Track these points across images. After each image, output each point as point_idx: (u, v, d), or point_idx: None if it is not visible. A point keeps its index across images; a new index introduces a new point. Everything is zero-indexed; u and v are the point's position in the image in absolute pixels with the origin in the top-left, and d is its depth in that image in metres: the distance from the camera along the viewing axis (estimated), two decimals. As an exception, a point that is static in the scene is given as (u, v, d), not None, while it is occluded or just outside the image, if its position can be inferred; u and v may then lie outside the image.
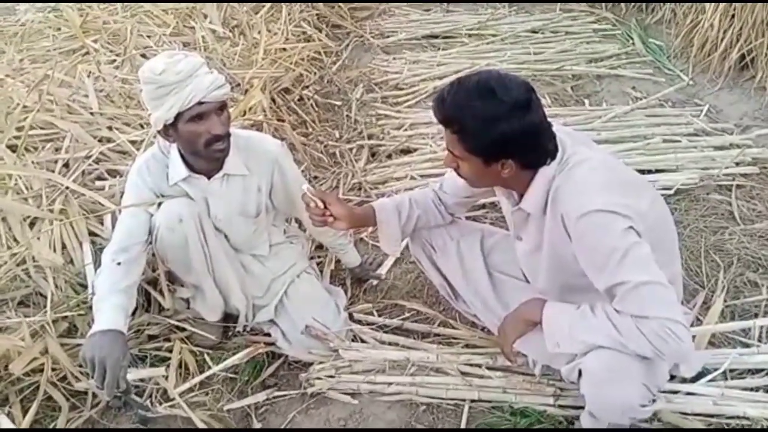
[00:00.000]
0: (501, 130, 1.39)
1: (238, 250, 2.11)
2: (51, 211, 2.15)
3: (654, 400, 1.47)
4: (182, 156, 1.88)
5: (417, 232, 1.97)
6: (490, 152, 1.45)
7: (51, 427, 1.82)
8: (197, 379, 1.93)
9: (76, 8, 3.82)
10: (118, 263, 1.78)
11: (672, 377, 1.79)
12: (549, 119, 1.50)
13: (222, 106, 1.79)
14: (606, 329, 1.41)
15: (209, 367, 1.98)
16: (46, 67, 2.97)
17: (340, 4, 5.12)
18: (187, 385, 1.91)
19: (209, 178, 1.92)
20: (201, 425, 1.81)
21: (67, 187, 2.23)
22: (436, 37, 4.74)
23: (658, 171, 2.89)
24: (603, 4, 5.12)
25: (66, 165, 2.44)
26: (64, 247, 2.11)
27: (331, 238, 2.21)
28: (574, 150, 1.52)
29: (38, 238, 2.06)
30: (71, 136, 2.49)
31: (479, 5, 5.38)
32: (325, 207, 1.76)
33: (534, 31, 4.71)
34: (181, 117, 1.72)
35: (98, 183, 2.42)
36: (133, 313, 1.97)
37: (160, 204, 1.88)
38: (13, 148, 2.38)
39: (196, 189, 1.92)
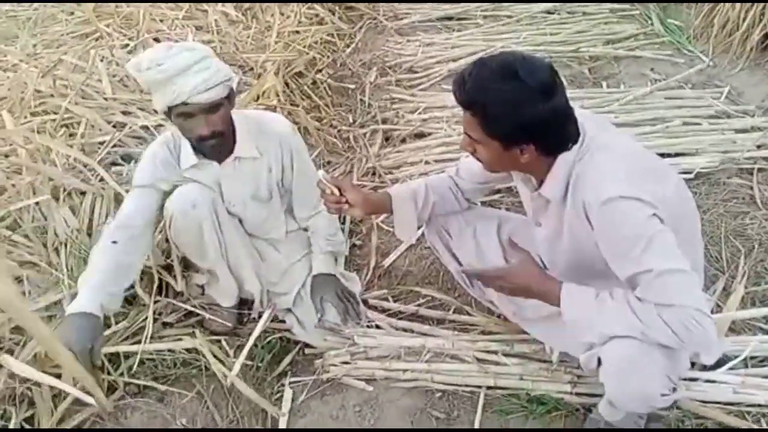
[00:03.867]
0: (524, 114, 1.35)
1: (252, 235, 2.10)
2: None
3: (675, 389, 1.45)
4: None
5: (433, 219, 1.95)
6: (511, 136, 1.41)
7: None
8: (240, 358, 1.88)
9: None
10: (114, 242, 1.79)
11: (692, 365, 1.76)
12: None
13: (214, 106, 1.73)
14: (626, 318, 1.38)
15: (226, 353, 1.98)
16: (59, 51, 2.96)
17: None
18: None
19: (220, 162, 1.91)
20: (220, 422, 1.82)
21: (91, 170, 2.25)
22: (450, 18, 4.66)
23: (678, 154, 2.84)
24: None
25: (82, 150, 2.43)
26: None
27: (324, 230, 2.14)
28: (595, 134, 1.49)
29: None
30: (86, 122, 2.49)
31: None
32: (341, 193, 1.73)
33: (550, 12, 4.62)
34: (172, 111, 1.71)
35: (114, 168, 2.42)
36: (157, 301, 2.01)
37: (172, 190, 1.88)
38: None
39: (207, 175, 1.91)
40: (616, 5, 4.66)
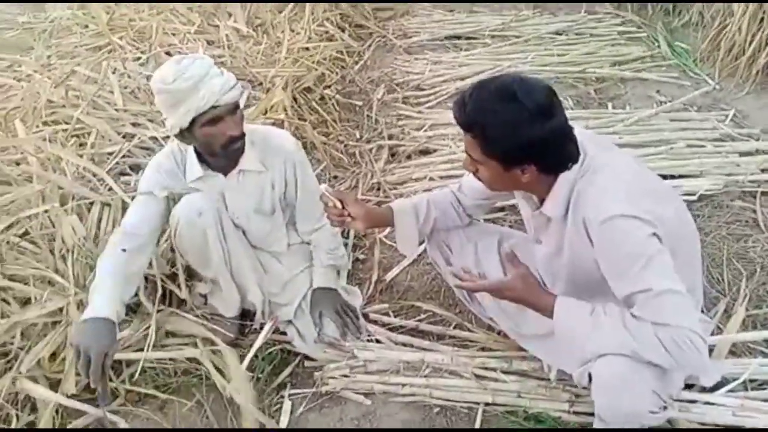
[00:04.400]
0: (523, 135, 1.38)
1: (256, 247, 2.13)
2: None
3: (665, 408, 1.45)
4: (198, 155, 1.90)
5: (434, 233, 1.97)
6: (511, 157, 1.44)
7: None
8: (244, 362, 1.91)
9: (104, 6, 3.88)
10: (123, 249, 1.81)
11: (690, 386, 1.77)
12: (570, 123, 1.48)
13: (235, 107, 1.79)
14: (619, 336, 1.39)
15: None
16: (72, 63, 3.02)
17: (364, 4, 5.14)
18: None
19: (225, 174, 1.94)
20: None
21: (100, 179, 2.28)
22: (458, 38, 4.72)
23: (681, 176, 2.85)
24: (629, 7, 5.08)
25: (92, 160, 2.47)
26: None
27: (325, 243, 2.16)
28: (595, 154, 1.51)
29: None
30: (96, 132, 2.53)
31: (503, 6, 5.37)
32: (343, 207, 1.76)
33: (558, 33, 4.68)
34: (196, 122, 1.74)
35: (123, 178, 2.46)
36: (161, 310, 2.03)
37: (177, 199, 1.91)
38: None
39: (212, 186, 1.94)
40: (623, 28, 4.72)
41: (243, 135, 1.84)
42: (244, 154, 1.94)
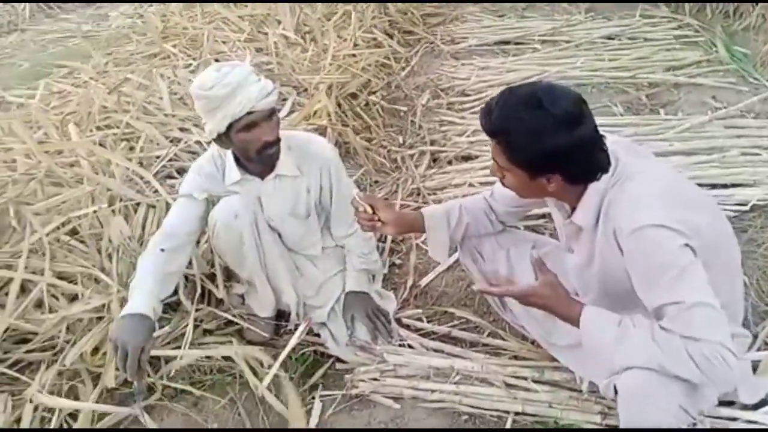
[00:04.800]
0: (547, 144, 1.36)
1: (291, 250, 2.17)
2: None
3: (695, 424, 1.40)
4: (236, 159, 1.95)
5: (466, 240, 1.96)
6: (536, 166, 1.43)
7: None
8: (273, 368, 1.93)
9: (160, 15, 4.03)
10: (162, 249, 1.88)
11: (731, 403, 1.70)
12: (605, 130, 1.46)
13: (271, 113, 1.84)
14: (647, 350, 1.35)
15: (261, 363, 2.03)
16: (127, 70, 3.15)
17: (413, 10, 5.16)
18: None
19: (262, 178, 1.99)
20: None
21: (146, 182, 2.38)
22: (507, 43, 4.68)
23: (733, 185, 2.75)
24: (687, 10, 4.94)
25: (140, 163, 2.57)
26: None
27: (358, 248, 2.17)
28: (628, 162, 1.48)
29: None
30: (145, 136, 2.63)
31: (555, 10, 5.31)
32: (374, 212, 1.77)
33: (610, 38, 4.59)
34: (233, 127, 1.79)
35: (169, 181, 2.55)
36: (199, 309, 2.11)
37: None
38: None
39: (249, 190, 1.99)
40: (680, 32, 4.59)
41: (278, 140, 1.88)
42: (281, 159, 1.98)
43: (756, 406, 1.72)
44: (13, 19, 5.67)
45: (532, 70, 3.99)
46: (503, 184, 1.56)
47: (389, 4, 4.86)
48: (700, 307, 1.34)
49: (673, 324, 1.35)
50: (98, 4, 5.65)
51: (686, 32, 4.59)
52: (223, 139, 1.85)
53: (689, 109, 3.52)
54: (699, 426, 1.46)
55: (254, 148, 1.85)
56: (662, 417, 1.36)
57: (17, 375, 1.88)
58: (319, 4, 4.27)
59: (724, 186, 2.75)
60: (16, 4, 5.74)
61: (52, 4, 6.00)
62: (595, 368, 1.63)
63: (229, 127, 1.81)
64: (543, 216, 2.65)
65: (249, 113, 1.79)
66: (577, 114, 1.36)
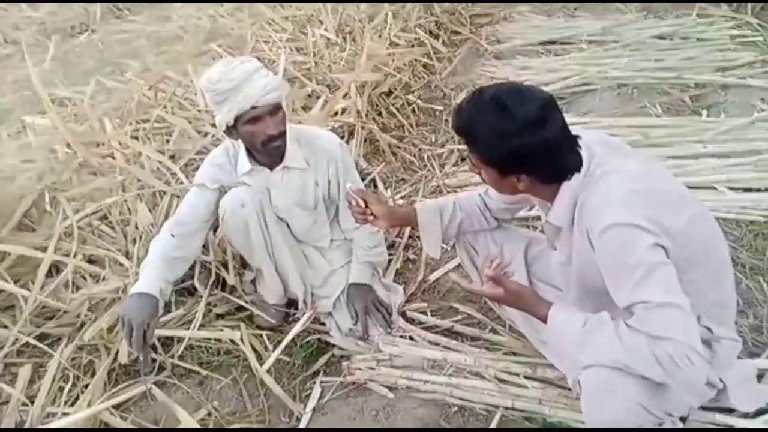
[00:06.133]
0: (510, 146, 1.39)
1: (301, 241, 2.25)
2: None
3: (661, 424, 1.39)
4: (248, 151, 2.05)
5: (461, 235, 1.99)
6: (502, 165, 1.46)
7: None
8: (275, 353, 2.03)
9: (211, 17, 4.22)
10: (172, 234, 1.99)
11: (731, 411, 1.67)
12: (582, 128, 1.46)
13: (276, 108, 1.92)
14: (611, 349, 1.35)
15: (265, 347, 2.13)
16: (171, 68, 3.32)
17: (461, 11, 5.18)
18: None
19: (271, 170, 2.08)
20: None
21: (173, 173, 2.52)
22: (553, 43, 4.64)
23: (767, 189, 2.66)
24: (749, 9, 4.74)
25: (172, 156, 2.72)
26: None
27: (364, 241, 2.23)
28: (602, 161, 1.47)
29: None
30: (178, 130, 2.78)
31: (608, 10, 5.20)
32: (366, 206, 1.83)
33: (661, 37, 4.48)
34: (239, 119, 1.89)
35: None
36: (213, 294, 2.23)
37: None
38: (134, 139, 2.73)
39: (259, 180, 2.08)
40: (737, 31, 4.42)
41: (282, 134, 1.96)
42: (290, 152, 2.07)
43: (755, 415, 1.68)
44: (85, 20, 6.04)
45: (572, 70, 3.94)
46: (483, 180, 1.59)
47: (435, 5, 4.89)
48: (667, 307, 1.32)
49: (640, 323, 1.34)
50: (163, 6, 5.93)
51: (744, 32, 4.42)
52: (231, 131, 1.96)
53: (734, 111, 3.39)
54: (666, 425, 1.44)
55: (259, 141, 1.94)
56: (621, 414, 1.36)
57: (42, 346, 2.04)
58: (363, 5, 4.34)
59: (758, 190, 2.67)
60: (88, 7, 6.11)
61: (121, 6, 6.34)
62: (573, 365, 1.63)
63: (236, 119, 1.91)
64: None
65: (254, 107, 1.88)
66: (541, 116, 1.38)
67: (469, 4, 5.35)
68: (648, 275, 1.34)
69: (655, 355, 1.30)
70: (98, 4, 6.24)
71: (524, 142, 1.38)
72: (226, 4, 4.74)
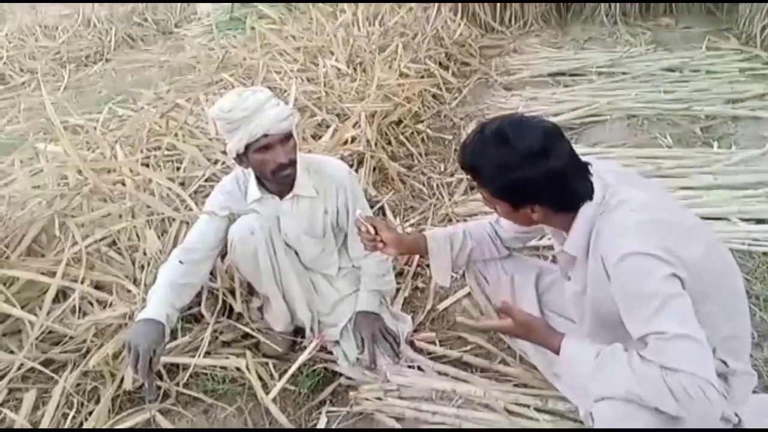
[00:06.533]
0: (515, 178, 1.39)
1: (308, 269, 2.24)
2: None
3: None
4: (258, 179, 2.06)
5: (472, 264, 1.97)
6: (512, 198, 1.46)
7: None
8: (281, 382, 2.02)
9: (223, 47, 4.28)
10: (181, 261, 1.98)
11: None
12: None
13: (287, 137, 1.94)
14: (624, 381, 1.33)
15: (271, 376, 2.11)
16: (183, 97, 3.36)
17: (471, 42, 5.23)
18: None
19: (281, 198, 2.08)
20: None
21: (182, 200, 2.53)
22: (563, 74, 4.67)
23: (778, 221, 2.63)
24: (758, 42, 4.77)
25: (182, 183, 2.74)
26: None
27: (372, 269, 2.21)
28: (616, 190, 1.46)
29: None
30: (189, 158, 2.80)
31: (618, 42, 5.26)
32: (376, 233, 1.82)
33: (671, 70, 4.50)
34: (250, 148, 1.90)
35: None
36: (220, 321, 2.22)
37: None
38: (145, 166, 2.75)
39: (268, 208, 2.08)
40: (746, 64, 4.44)
41: (292, 163, 1.97)
42: (299, 180, 2.07)
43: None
44: (99, 49, 6.17)
45: (582, 102, 3.95)
46: (498, 213, 1.58)
47: (445, 37, 4.95)
48: (683, 339, 1.30)
49: (654, 354, 1.32)
50: (176, 37, 6.06)
51: (754, 65, 4.43)
52: (242, 158, 1.97)
53: (745, 143, 3.39)
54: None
55: (269, 169, 1.95)
56: (634, 447, 1.32)
57: (48, 372, 2.03)
58: (374, 36, 4.40)
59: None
60: (103, 37, 6.23)
61: (135, 36, 6.46)
62: (586, 397, 1.60)
63: (247, 147, 1.91)
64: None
65: (265, 135, 1.89)
66: (544, 146, 1.38)
67: (479, 36, 5.41)
68: (664, 306, 1.32)
69: (669, 386, 1.28)
70: (112, 34, 6.36)
71: (529, 174, 1.38)
72: (239, 36, 4.82)
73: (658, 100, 3.94)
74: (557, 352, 1.47)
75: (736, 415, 1.49)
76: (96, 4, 6.84)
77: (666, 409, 1.29)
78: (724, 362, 1.47)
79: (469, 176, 1.52)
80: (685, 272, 1.35)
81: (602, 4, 5.94)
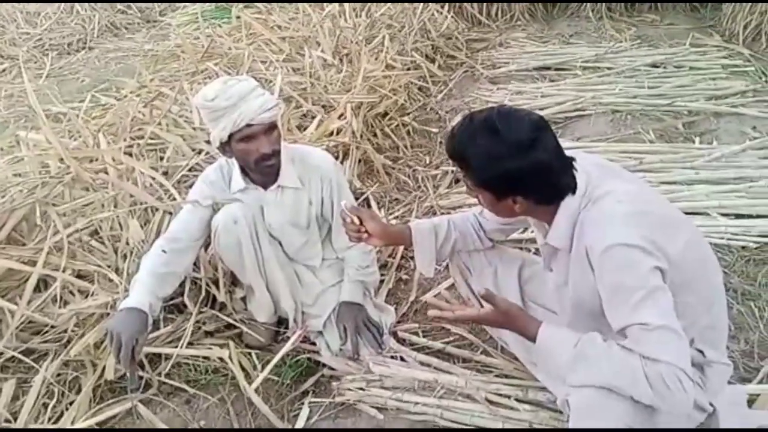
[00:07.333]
0: (501, 169, 1.40)
1: (292, 259, 2.24)
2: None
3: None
4: (242, 169, 2.05)
5: (456, 255, 1.98)
6: (497, 189, 1.46)
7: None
8: (263, 374, 2.01)
9: (208, 36, 4.24)
10: (164, 251, 1.97)
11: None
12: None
13: (271, 127, 1.93)
14: (602, 371, 1.35)
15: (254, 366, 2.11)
16: (166, 86, 3.33)
17: (457, 35, 5.23)
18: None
19: (265, 188, 2.08)
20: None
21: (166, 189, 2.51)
22: (548, 68, 4.69)
23: (759, 216, 2.67)
24: (740, 39, 4.83)
25: (165, 172, 2.72)
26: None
27: (356, 260, 2.21)
28: (599, 183, 1.48)
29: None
30: (172, 147, 2.78)
31: (603, 37, 5.29)
32: (361, 223, 1.82)
33: (655, 66, 4.53)
34: (233, 137, 1.89)
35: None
36: (203, 311, 2.21)
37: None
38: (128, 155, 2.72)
39: (252, 198, 2.08)
40: (729, 61, 4.48)
41: (275, 153, 1.96)
42: (284, 171, 2.07)
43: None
44: (82, 37, 6.08)
45: (566, 96, 3.98)
46: (480, 203, 1.59)
47: (432, 30, 4.95)
48: (664, 330, 1.32)
49: (634, 344, 1.34)
50: (161, 26, 5.99)
51: (736, 61, 4.48)
52: (225, 148, 1.96)
53: (726, 139, 3.43)
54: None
55: (252, 159, 1.94)
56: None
57: (28, 361, 2.01)
58: (360, 28, 4.38)
59: (749, 216, 2.68)
60: (86, 24, 6.14)
61: (119, 24, 6.38)
62: (563, 385, 1.61)
63: (230, 136, 1.91)
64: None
65: (249, 125, 1.88)
66: (532, 139, 1.38)
67: (466, 29, 5.41)
68: (647, 298, 1.34)
69: (647, 376, 1.29)
70: (96, 22, 6.28)
71: (516, 165, 1.39)
72: (224, 25, 4.78)
73: (641, 95, 3.97)
74: (532, 339, 1.48)
75: (711, 405, 1.52)
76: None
77: (641, 398, 1.31)
78: (702, 352, 1.49)
79: (455, 164, 1.52)
80: (666, 264, 1.37)
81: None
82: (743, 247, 2.52)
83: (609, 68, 4.53)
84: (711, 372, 1.52)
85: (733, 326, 2.11)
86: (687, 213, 2.58)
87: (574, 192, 1.47)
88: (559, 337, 1.44)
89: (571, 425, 1.41)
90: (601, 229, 1.41)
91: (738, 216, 2.70)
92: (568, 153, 1.50)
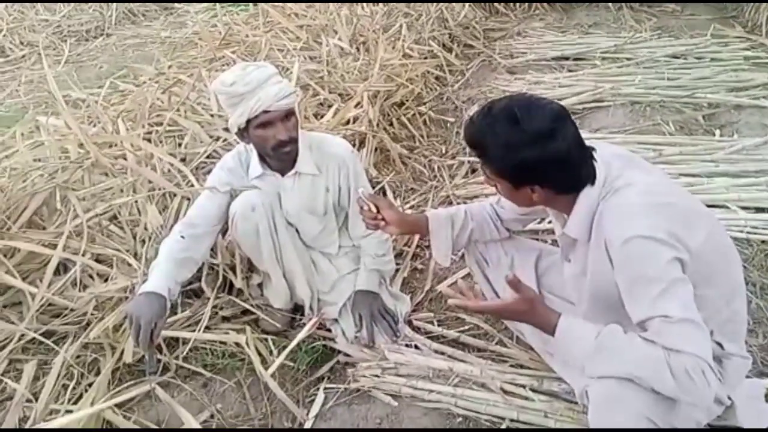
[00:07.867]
0: (520, 158, 1.39)
1: (309, 247, 2.25)
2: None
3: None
4: (260, 155, 2.06)
5: (472, 245, 1.98)
6: (515, 178, 1.45)
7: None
8: (280, 358, 2.00)
9: (223, 23, 4.25)
10: (182, 236, 1.99)
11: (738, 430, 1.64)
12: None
13: (288, 114, 1.94)
14: (624, 362, 1.34)
15: (270, 352, 2.12)
16: (185, 73, 3.35)
17: (475, 24, 5.20)
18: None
19: (283, 175, 2.08)
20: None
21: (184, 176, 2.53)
22: (566, 58, 4.65)
23: (779, 210, 2.64)
24: (763, 31, 4.76)
25: (183, 159, 2.73)
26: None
27: (372, 248, 2.21)
28: (619, 173, 1.47)
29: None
30: (191, 133, 2.79)
31: (622, 28, 5.24)
32: (378, 211, 1.82)
33: (675, 57, 4.48)
34: (251, 123, 1.90)
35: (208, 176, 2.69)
36: (220, 296, 2.23)
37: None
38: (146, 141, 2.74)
39: (269, 185, 2.09)
40: (752, 53, 4.42)
41: (293, 140, 1.97)
42: (302, 158, 2.07)
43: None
44: (100, 24, 6.12)
45: (585, 86, 3.94)
46: (498, 192, 1.58)
47: (449, 19, 4.92)
48: (686, 322, 1.31)
49: (657, 336, 1.32)
50: (178, 13, 6.01)
51: (759, 53, 4.42)
52: (243, 134, 1.97)
53: (747, 132, 3.39)
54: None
55: (270, 145, 1.95)
56: (625, 423, 1.34)
57: (49, 343, 2.04)
58: (378, 16, 4.37)
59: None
60: (104, 11, 6.17)
61: (136, 12, 6.40)
62: (581, 376, 1.61)
63: (248, 122, 1.91)
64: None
65: (266, 112, 1.89)
66: (552, 128, 1.37)
67: (483, 18, 5.37)
68: (668, 290, 1.33)
69: (671, 367, 1.28)
70: (113, 9, 6.31)
71: (535, 154, 1.38)
72: (241, 12, 4.78)
73: (661, 87, 3.93)
74: (552, 332, 1.47)
75: (729, 398, 1.51)
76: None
77: (663, 390, 1.30)
78: (720, 345, 1.48)
79: (473, 152, 1.51)
80: (687, 256, 1.36)
81: (608, -11, 5.91)
82: (763, 241, 2.49)
83: (628, 59, 4.48)
84: (729, 365, 1.51)
85: (751, 321, 2.10)
86: (707, 206, 2.56)
87: (593, 182, 1.46)
88: (580, 329, 1.43)
89: (590, 416, 1.40)
90: (621, 220, 1.40)
91: (758, 210, 2.67)
92: (588, 143, 1.50)
